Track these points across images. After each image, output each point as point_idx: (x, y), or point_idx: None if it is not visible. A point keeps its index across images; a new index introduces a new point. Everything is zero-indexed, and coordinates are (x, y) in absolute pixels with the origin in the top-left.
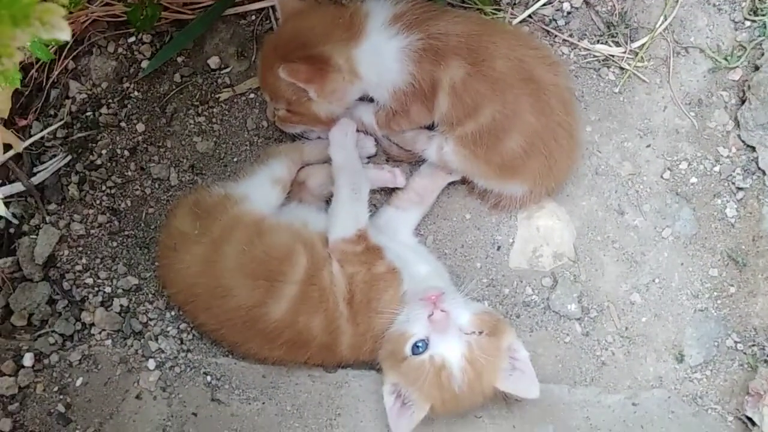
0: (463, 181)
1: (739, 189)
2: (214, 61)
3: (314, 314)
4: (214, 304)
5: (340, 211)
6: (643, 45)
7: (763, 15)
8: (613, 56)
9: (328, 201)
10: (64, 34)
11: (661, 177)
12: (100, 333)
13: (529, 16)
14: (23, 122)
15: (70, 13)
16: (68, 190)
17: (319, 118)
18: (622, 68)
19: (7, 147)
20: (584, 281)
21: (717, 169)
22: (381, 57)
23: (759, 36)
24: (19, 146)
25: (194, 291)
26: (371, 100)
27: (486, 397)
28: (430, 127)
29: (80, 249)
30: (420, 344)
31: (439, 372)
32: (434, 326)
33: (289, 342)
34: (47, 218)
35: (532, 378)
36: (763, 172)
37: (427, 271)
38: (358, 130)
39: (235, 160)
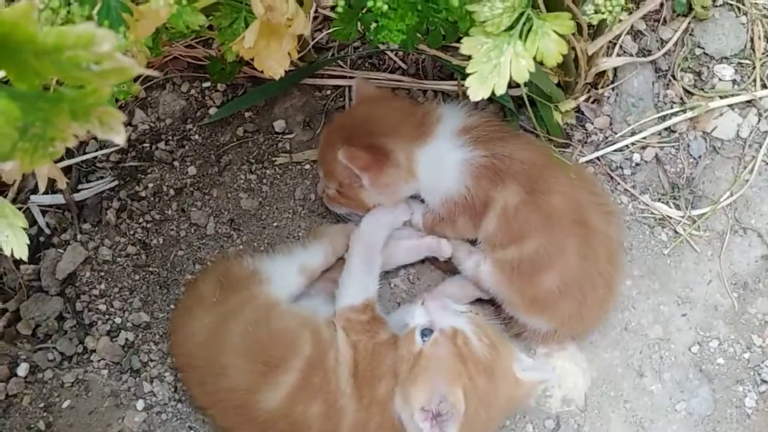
0: (491, 301)
1: (764, 382)
2: (279, 125)
3: (312, 401)
4: (208, 380)
5: (351, 280)
6: (703, 215)
7: None
8: (670, 218)
9: None
10: (119, 138)
11: (689, 349)
12: (99, 361)
13: (597, 158)
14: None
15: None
16: (106, 213)
17: (366, 206)
18: (676, 232)
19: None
20: None
21: (747, 356)
22: (442, 163)
23: None
24: (63, 183)
25: (193, 361)
26: (422, 200)
27: (515, 388)
28: (473, 242)
29: (102, 274)
30: (426, 331)
31: (454, 339)
32: (431, 307)
33: None
34: (79, 236)
35: (542, 363)
36: None
37: None
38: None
39: (275, 224)
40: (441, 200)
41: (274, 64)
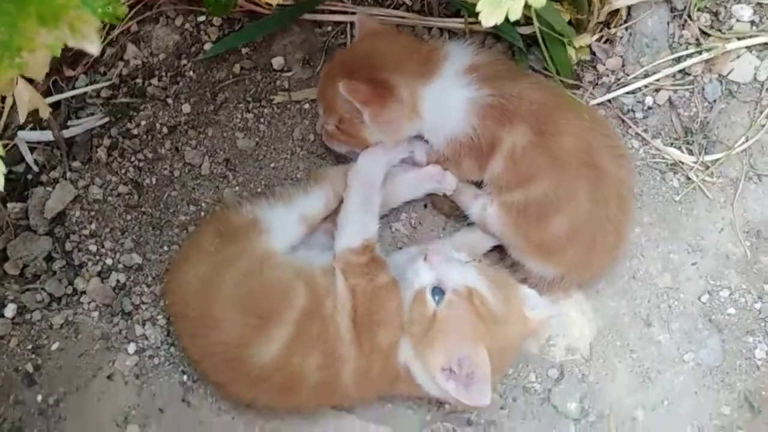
0: (496, 247)
1: None
2: (278, 62)
3: (310, 353)
4: (201, 332)
5: (349, 220)
6: (717, 160)
7: None
8: (682, 163)
9: None
10: (93, 48)
11: (699, 299)
12: (89, 303)
13: (609, 100)
14: (70, 72)
15: None
16: (97, 151)
17: (367, 144)
18: (688, 178)
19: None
20: (591, 382)
21: (758, 306)
22: (447, 102)
23: None
24: (46, 112)
25: (186, 311)
26: (426, 140)
27: (525, 330)
28: (479, 185)
29: (92, 214)
30: (436, 290)
31: (471, 299)
32: (434, 262)
33: (278, 387)
34: (68, 174)
35: (545, 300)
36: None
37: None
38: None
39: (272, 165)
40: (445, 140)
41: None
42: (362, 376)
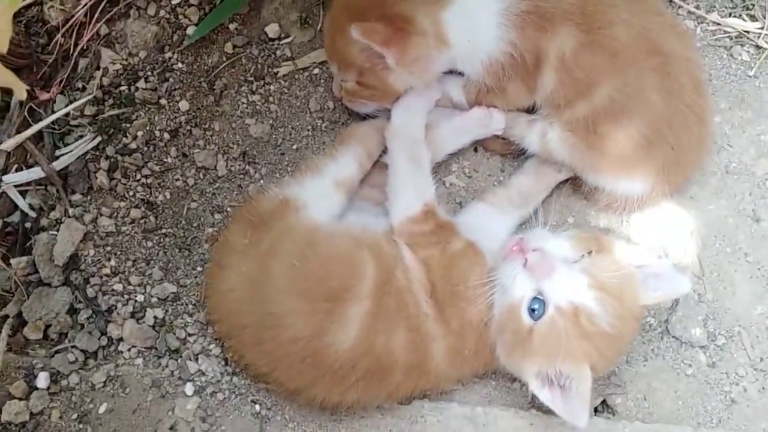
0: (567, 178)
1: None
2: (272, 30)
3: (394, 330)
4: (264, 337)
5: (400, 186)
6: None
7: None
8: (747, 32)
9: None
10: None
11: None
12: (129, 350)
13: None
14: (45, 95)
15: None
16: (96, 177)
17: (395, 93)
18: (758, 47)
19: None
20: (711, 301)
21: None
22: (475, 21)
23: None
24: (22, 91)
25: (239, 321)
26: (461, 73)
27: (638, 320)
28: (531, 111)
29: (108, 249)
30: (536, 304)
31: (576, 320)
32: (536, 272)
33: (366, 375)
34: (70, 211)
35: (673, 273)
36: None
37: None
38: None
39: (294, 147)
40: (483, 66)
41: None
42: (455, 355)
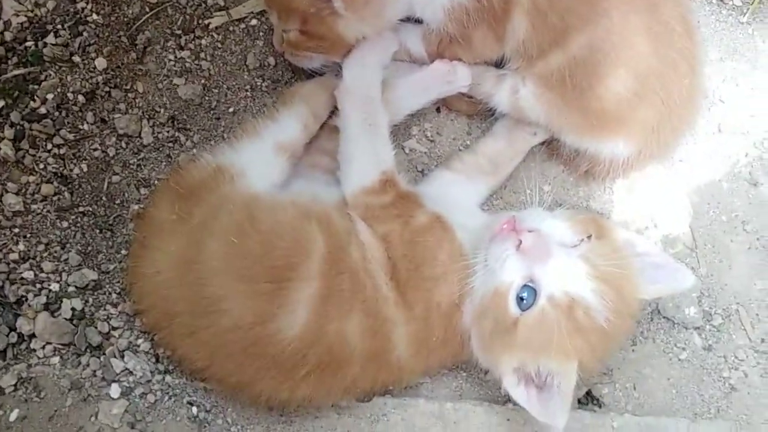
0: (542, 141)
1: None
2: None
3: (348, 315)
4: (198, 326)
5: (354, 152)
6: None
7: None
8: None
9: None
10: None
11: None
12: (43, 348)
13: None
14: None
15: None
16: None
17: (343, 44)
18: None
19: None
20: (705, 276)
21: None
22: None
23: None
24: None
25: (169, 308)
26: (419, 21)
27: (634, 317)
28: (500, 65)
29: (16, 231)
30: (526, 292)
31: (571, 313)
32: (531, 256)
33: (318, 367)
34: None
35: (674, 264)
36: None
37: (483, 221)
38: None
39: (230, 110)
40: (445, 11)
41: None
42: (420, 344)
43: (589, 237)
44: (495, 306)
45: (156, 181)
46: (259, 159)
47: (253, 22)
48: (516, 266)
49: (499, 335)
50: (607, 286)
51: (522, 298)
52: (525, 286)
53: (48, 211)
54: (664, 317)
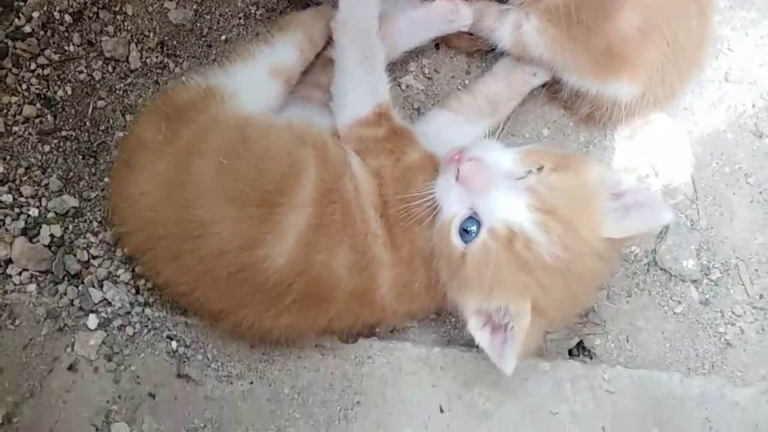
0: (543, 83)
1: None
2: None
3: (337, 247)
4: (184, 249)
5: (348, 84)
6: None
7: None
8: None
9: None
10: None
11: None
12: (20, 274)
13: None
14: None
15: None
16: None
17: None
18: None
19: None
20: (705, 229)
21: None
22: None
23: None
24: None
25: (154, 231)
26: None
27: (602, 257)
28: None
29: None
30: (471, 224)
31: (510, 244)
32: (469, 186)
33: (303, 298)
34: None
35: (654, 201)
36: None
37: None
38: None
39: (222, 38)
40: None
41: None
42: (404, 288)
43: (540, 168)
44: (443, 241)
45: (143, 108)
46: (252, 81)
47: None
48: (457, 197)
49: (454, 275)
50: (554, 219)
51: (467, 230)
52: (470, 218)
53: (29, 134)
54: (661, 269)
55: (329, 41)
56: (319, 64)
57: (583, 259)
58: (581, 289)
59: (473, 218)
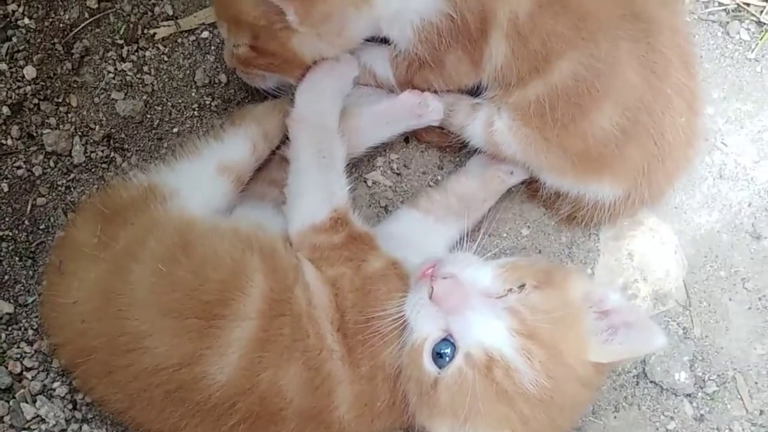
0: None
1: None
2: None
3: (286, 364)
4: (117, 363)
5: (303, 185)
6: None
7: None
8: (747, 5)
9: None
10: None
11: None
12: None
13: None
14: None
15: None
16: None
17: (299, 63)
18: (760, 23)
19: None
20: (699, 338)
21: None
22: None
23: None
24: None
25: (86, 343)
26: (386, 41)
27: (588, 385)
28: (475, 93)
29: None
30: (445, 348)
31: (489, 371)
32: (444, 306)
33: (249, 419)
34: None
35: (646, 324)
36: None
37: None
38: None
39: (174, 130)
40: (414, 31)
41: None
42: (365, 407)
43: (521, 287)
44: (413, 364)
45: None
46: (198, 179)
47: (204, 34)
48: (430, 317)
49: (424, 399)
50: (537, 344)
51: (440, 354)
52: (444, 340)
53: None
54: (651, 382)
55: (285, 138)
56: (276, 160)
57: (567, 387)
58: (563, 419)
59: (448, 341)
